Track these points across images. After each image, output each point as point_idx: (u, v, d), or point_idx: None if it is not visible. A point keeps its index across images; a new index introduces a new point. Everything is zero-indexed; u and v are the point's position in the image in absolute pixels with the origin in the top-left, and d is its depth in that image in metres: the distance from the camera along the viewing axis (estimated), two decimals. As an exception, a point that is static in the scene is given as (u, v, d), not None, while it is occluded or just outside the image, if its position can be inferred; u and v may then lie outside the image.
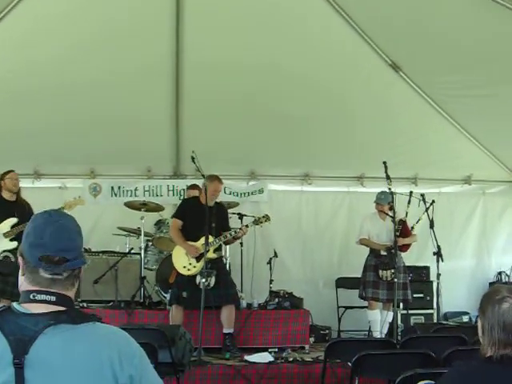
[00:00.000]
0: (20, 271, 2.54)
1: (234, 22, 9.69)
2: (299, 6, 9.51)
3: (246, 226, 9.53)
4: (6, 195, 9.47)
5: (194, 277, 9.11)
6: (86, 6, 9.30)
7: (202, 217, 8.79)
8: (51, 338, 2.36)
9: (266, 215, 9.58)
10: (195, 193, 10.48)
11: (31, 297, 2.46)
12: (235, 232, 9.33)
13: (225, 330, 9.31)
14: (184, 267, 9.17)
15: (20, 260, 2.55)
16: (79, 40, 9.64)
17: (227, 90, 10.64)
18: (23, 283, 2.52)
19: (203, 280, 8.65)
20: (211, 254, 9.09)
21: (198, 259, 9.12)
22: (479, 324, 3.23)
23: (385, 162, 9.28)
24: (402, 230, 10.03)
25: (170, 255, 10.10)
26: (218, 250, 9.38)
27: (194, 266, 9.15)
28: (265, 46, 9.97)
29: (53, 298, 2.46)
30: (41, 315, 2.40)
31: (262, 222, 9.52)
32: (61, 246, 2.51)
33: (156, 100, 10.91)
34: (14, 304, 2.48)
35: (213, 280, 9.09)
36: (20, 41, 9.56)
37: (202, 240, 8.90)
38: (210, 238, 8.93)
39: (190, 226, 9.27)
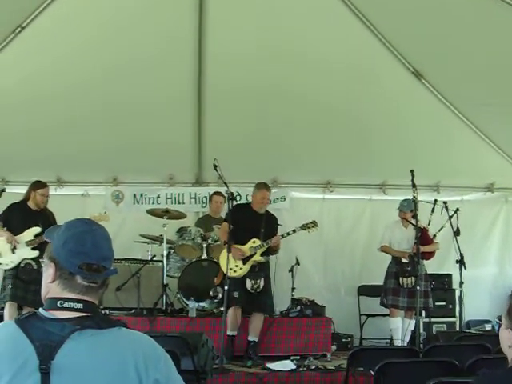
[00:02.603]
0: (48, 278, 2.55)
1: (254, 40, 9.77)
2: (320, 13, 9.51)
3: (294, 230, 9.56)
4: (32, 205, 9.52)
5: (242, 279, 9.25)
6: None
7: (251, 222, 9.27)
8: (77, 344, 2.37)
9: (314, 221, 9.69)
10: (220, 199, 10.97)
11: (58, 304, 2.47)
12: (267, 243, 9.43)
13: (250, 338, 9.35)
14: (231, 269, 9.19)
15: (50, 266, 2.55)
16: (107, 57, 9.80)
17: (249, 99, 10.66)
18: (53, 289, 2.53)
19: (229, 287, 8.72)
20: (258, 257, 9.32)
21: (244, 262, 9.27)
22: (508, 333, 3.19)
23: (412, 171, 9.24)
24: (422, 237, 9.96)
25: (192, 263, 10.23)
26: (265, 254, 9.46)
27: (241, 268, 9.29)
28: (286, 57, 10.00)
29: (80, 306, 2.48)
30: (66, 320, 2.42)
31: (309, 228, 9.64)
32: (101, 254, 2.55)
33: (179, 108, 10.93)
34: (40, 310, 2.49)
35: (262, 283, 9.29)
36: (35, 46, 9.60)
37: (249, 244, 9.28)
38: (257, 241, 9.27)
39: (239, 230, 9.29)
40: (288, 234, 9.58)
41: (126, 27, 9.57)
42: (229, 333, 9.25)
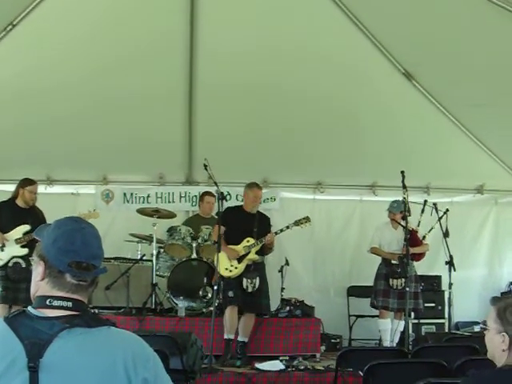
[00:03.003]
0: (37, 276, 2.54)
1: (246, 39, 9.79)
2: (314, 14, 9.51)
3: (287, 226, 9.58)
4: (20, 203, 9.51)
5: (238, 279, 9.28)
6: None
7: (243, 223, 9.33)
8: (66, 342, 2.36)
9: (307, 217, 9.71)
10: (212, 199, 10.87)
11: (47, 302, 2.46)
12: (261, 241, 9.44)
13: (240, 338, 9.34)
14: (226, 269, 9.26)
15: (40, 265, 2.54)
16: (98, 55, 9.81)
17: (240, 100, 10.66)
18: (42, 288, 2.52)
19: (223, 287, 8.73)
20: (252, 256, 9.33)
21: (239, 261, 9.30)
22: (501, 337, 3.19)
23: (402, 172, 9.27)
24: (411, 239, 9.98)
25: (182, 262, 10.20)
26: (259, 254, 9.48)
27: (236, 268, 9.30)
28: (276, 58, 10.03)
29: (69, 304, 2.47)
30: (56, 319, 2.41)
31: (302, 223, 9.66)
32: (91, 252, 2.55)
33: (170, 108, 10.93)
34: (29, 308, 2.48)
35: (257, 282, 9.30)
36: (25, 43, 9.60)
37: (243, 243, 9.30)
38: (251, 240, 9.30)
39: (232, 231, 9.39)
40: (281, 230, 9.59)
41: (116, 23, 9.56)
42: (226, 336, 9.24)
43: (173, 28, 9.79)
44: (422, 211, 10.38)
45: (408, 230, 9.73)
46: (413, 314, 10.66)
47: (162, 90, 10.51)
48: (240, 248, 9.31)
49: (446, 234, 9.82)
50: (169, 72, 10.36)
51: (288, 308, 10.31)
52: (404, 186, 9.27)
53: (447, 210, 10.22)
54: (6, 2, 9.02)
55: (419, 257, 10.38)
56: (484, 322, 3.11)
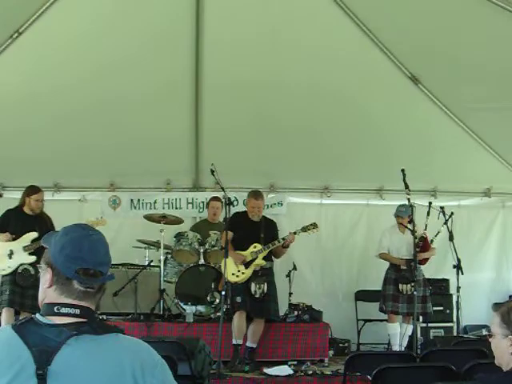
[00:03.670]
0: (45, 283, 2.55)
1: (253, 38, 9.76)
2: (318, 19, 9.52)
3: (294, 232, 9.54)
4: (27, 210, 9.53)
5: (245, 284, 9.31)
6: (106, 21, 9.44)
7: (250, 229, 9.38)
8: (74, 349, 2.37)
9: (314, 223, 9.69)
10: (217, 204, 10.88)
11: (55, 310, 2.47)
12: (283, 239, 9.44)
13: (248, 344, 9.33)
14: (233, 274, 9.29)
15: (47, 272, 2.55)
16: (101, 58, 9.78)
17: (246, 104, 10.67)
18: (50, 295, 2.53)
19: (230, 292, 8.72)
20: (260, 261, 9.36)
21: (246, 266, 9.32)
22: (508, 340, 3.18)
23: (403, 170, 9.26)
24: (423, 245, 9.99)
25: (190, 268, 10.18)
26: (267, 259, 9.50)
27: (243, 273, 9.33)
28: (282, 60, 10.04)
29: (77, 311, 2.47)
30: (63, 326, 2.42)
31: (309, 229, 9.64)
32: (98, 259, 2.55)
33: (176, 114, 10.94)
34: (37, 315, 2.49)
35: (265, 287, 9.34)
36: (31, 48, 9.60)
37: (250, 249, 9.34)
38: (258, 246, 9.33)
39: (239, 237, 9.43)
40: (295, 233, 9.55)
41: (120, 22, 9.56)
42: (234, 341, 9.23)
43: (178, 28, 9.79)
44: (428, 214, 10.35)
45: (422, 236, 9.78)
46: (421, 317, 10.66)
47: (170, 98, 10.52)
48: (247, 253, 9.33)
49: (450, 238, 9.80)
50: (176, 84, 10.37)
51: (296, 313, 10.29)
52: (406, 186, 9.25)
53: (452, 213, 10.18)
54: (12, 11, 9.03)
55: (425, 261, 10.36)
56: (489, 330, 3.11)
